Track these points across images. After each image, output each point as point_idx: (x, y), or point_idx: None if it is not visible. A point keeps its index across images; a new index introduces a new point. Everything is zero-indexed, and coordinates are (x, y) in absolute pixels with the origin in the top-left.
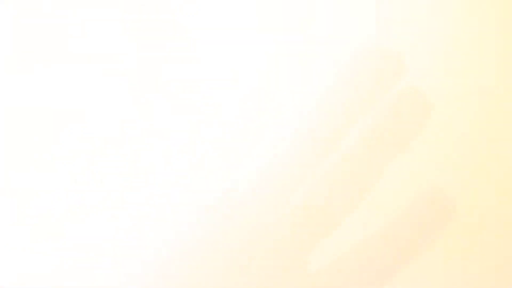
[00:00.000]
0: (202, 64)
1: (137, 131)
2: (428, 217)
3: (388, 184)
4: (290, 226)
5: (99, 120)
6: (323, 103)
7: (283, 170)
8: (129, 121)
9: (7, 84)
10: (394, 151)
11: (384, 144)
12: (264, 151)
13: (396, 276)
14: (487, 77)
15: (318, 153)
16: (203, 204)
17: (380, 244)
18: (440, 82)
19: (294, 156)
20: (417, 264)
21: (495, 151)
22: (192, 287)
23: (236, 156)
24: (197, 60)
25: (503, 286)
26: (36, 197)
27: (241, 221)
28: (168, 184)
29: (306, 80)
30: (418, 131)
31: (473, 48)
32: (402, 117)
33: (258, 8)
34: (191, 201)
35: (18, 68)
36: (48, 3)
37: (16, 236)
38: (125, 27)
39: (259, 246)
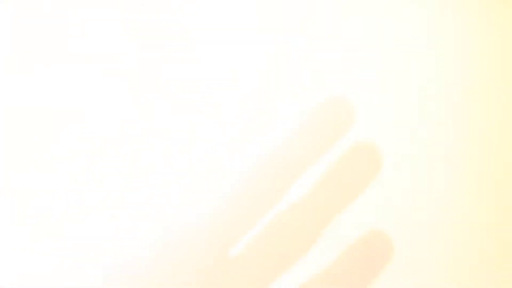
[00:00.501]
0: (202, 64)
1: (137, 131)
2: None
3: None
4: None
5: (99, 120)
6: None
7: (282, 170)
8: (129, 121)
9: (7, 84)
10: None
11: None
12: (265, 150)
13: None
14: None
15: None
16: (207, 206)
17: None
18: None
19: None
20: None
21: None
22: (192, 286)
23: (235, 156)
24: (197, 60)
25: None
26: (36, 197)
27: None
28: (168, 184)
29: (306, 81)
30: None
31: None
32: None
33: (258, 9)
34: (191, 201)
35: (18, 68)
36: (48, 3)
37: (16, 236)
38: (125, 27)
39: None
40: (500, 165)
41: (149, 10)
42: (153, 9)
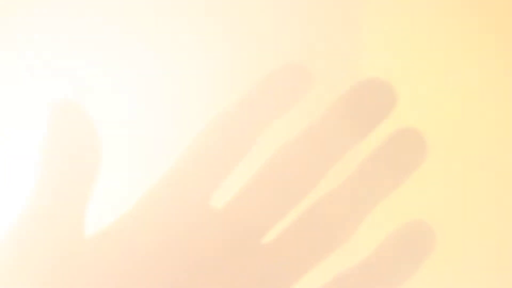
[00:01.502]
0: (201, 65)
1: (137, 131)
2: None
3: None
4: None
5: (99, 120)
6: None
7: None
8: (129, 121)
9: (7, 83)
10: (386, 187)
11: (375, 180)
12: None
13: None
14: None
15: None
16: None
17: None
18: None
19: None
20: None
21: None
22: (191, 286)
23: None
24: (196, 61)
25: None
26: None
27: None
28: (167, 184)
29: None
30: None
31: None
32: (395, 152)
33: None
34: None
35: (18, 68)
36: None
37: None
38: (124, 29)
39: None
40: None
41: (147, 12)
42: (152, 11)
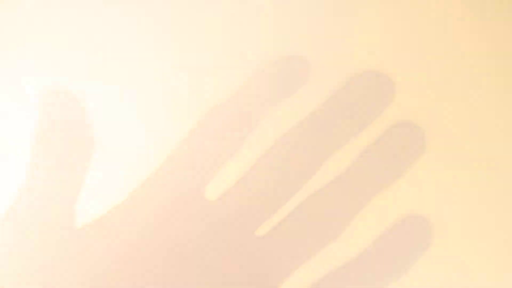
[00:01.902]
0: (199, 65)
1: (132, 123)
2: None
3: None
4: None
5: (93, 109)
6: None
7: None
8: (124, 112)
9: (8, 83)
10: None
11: (374, 171)
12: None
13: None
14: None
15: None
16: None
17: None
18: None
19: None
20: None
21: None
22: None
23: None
24: (194, 61)
25: None
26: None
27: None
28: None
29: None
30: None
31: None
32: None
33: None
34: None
35: (20, 69)
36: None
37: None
38: (126, 28)
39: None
40: None
41: (148, 12)
42: (152, 13)
